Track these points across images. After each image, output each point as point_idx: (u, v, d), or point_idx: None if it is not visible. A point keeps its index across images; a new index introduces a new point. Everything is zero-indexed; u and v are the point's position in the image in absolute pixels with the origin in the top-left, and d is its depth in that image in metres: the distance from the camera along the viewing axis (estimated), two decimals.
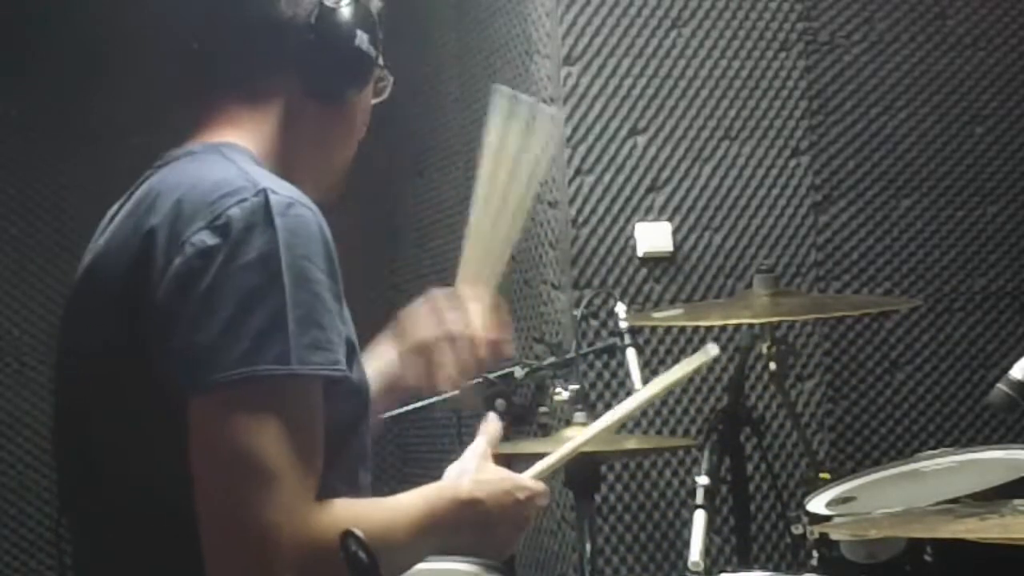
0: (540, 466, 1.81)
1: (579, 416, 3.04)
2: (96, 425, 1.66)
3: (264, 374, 1.50)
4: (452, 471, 1.73)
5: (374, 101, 1.85)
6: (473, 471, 1.71)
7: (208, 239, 1.53)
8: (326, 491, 1.56)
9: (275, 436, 1.50)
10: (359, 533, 1.36)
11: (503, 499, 1.70)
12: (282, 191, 1.58)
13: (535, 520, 1.78)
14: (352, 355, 1.61)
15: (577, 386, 3.11)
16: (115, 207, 1.76)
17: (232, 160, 1.65)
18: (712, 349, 1.94)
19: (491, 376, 3.17)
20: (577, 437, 1.88)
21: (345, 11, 1.71)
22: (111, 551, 1.67)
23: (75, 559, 1.74)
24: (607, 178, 4.06)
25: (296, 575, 1.50)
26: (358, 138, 1.84)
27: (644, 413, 4.04)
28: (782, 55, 4.23)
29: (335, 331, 1.56)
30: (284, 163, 1.71)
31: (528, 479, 1.76)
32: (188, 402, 1.52)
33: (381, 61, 1.82)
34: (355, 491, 1.68)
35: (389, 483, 5.23)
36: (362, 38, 1.72)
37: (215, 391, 1.50)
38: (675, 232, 4.11)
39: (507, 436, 3.16)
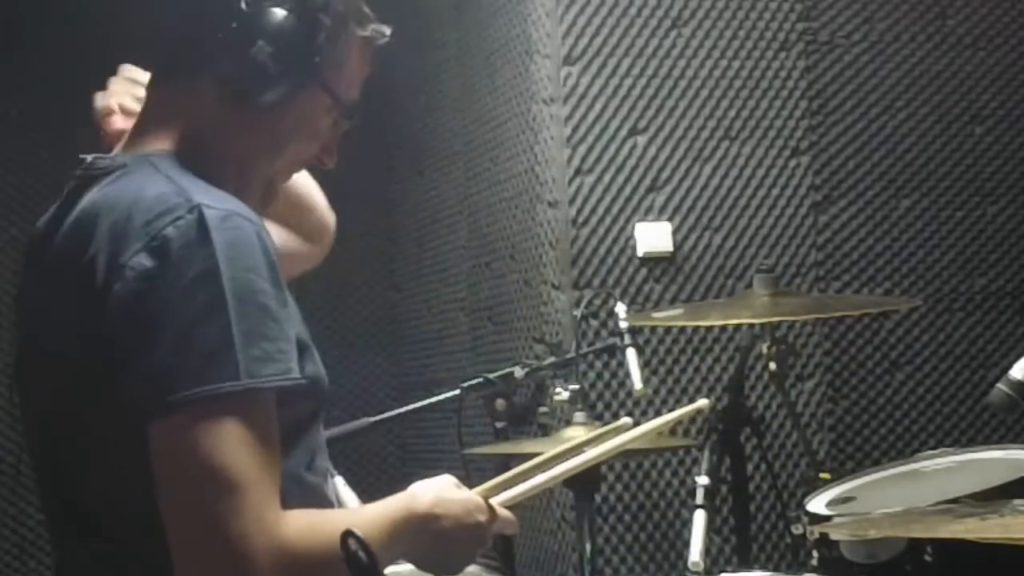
0: (510, 494, 1.81)
1: (579, 416, 3.04)
2: (55, 445, 1.69)
3: (218, 392, 1.51)
4: (417, 485, 1.73)
5: (342, 128, 1.80)
6: (437, 489, 1.72)
7: (146, 261, 1.54)
8: (286, 479, 1.58)
9: (235, 449, 1.51)
10: (359, 533, 1.36)
11: (462, 518, 1.70)
12: (216, 204, 1.58)
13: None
14: (304, 352, 1.63)
15: (577, 386, 3.11)
16: (51, 214, 1.76)
17: (164, 173, 1.64)
18: (702, 402, 2.01)
19: (491, 376, 3.17)
20: (552, 471, 1.86)
21: (258, 17, 1.68)
22: (82, 563, 1.69)
23: (56, 567, 1.77)
24: (607, 178, 4.06)
25: None
26: (295, 158, 1.79)
27: (644, 412, 4.03)
28: (782, 55, 4.23)
29: (284, 339, 1.57)
30: (209, 171, 1.68)
31: (494, 504, 1.76)
32: (145, 425, 1.53)
33: (343, 83, 1.77)
34: (314, 476, 1.70)
35: (389, 483, 5.24)
36: (262, 49, 1.67)
37: (172, 412, 1.51)
38: (675, 232, 4.11)
39: (507, 436, 3.17)
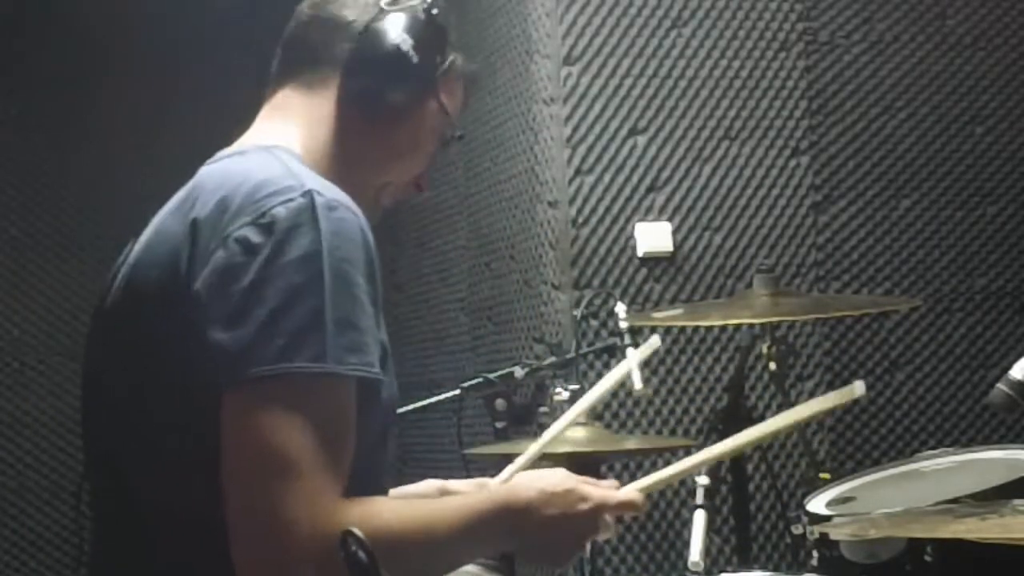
0: (650, 480, 1.82)
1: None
2: (124, 421, 1.67)
3: (299, 371, 1.52)
4: (522, 478, 1.77)
5: (437, 145, 1.89)
6: (542, 484, 1.71)
7: (252, 236, 1.56)
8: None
9: (303, 431, 1.52)
10: (359, 533, 1.35)
11: (565, 509, 1.70)
12: (327, 193, 1.61)
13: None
14: (385, 360, 1.64)
15: (577, 386, 3.10)
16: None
17: (279, 159, 1.68)
18: (859, 388, 1.84)
19: (491, 376, 3.17)
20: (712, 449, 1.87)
21: (395, 22, 1.76)
22: (132, 547, 1.68)
23: (94, 552, 1.75)
24: (607, 178, 4.06)
25: (315, 570, 1.51)
26: (404, 172, 1.87)
27: (644, 413, 4.03)
28: (782, 55, 4.23)
29: (371, 334, 1.60)
30: (323, 169, 1.73)
31: (606, 491, 1.76)
32: (222, 396, 1.53)
33: (451, 108, 1.85)
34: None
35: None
36: (407, 45, 1.75)
37: (250, 385, 1.52)
38: (675, 232, 4.11)
39: (507, 436, 3.17)
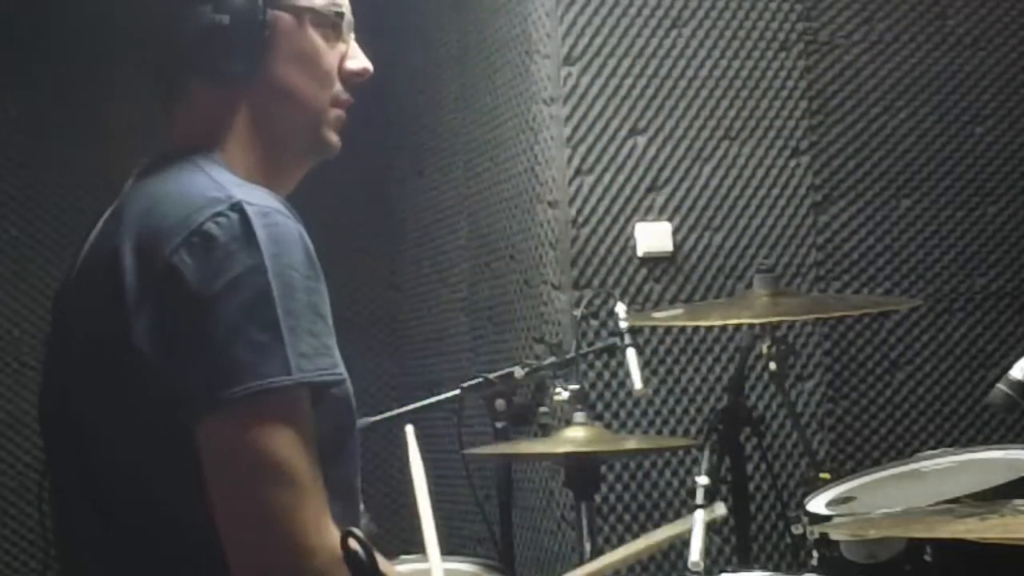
0: None
1: (579, 416, 3.04)
2: (87, 448, 1.65)
3: (268, 387, 1.50)
4: None
5: (332, 38, 1.74)
6: None
7: (187, 258, 1.52)
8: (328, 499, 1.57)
9: (292, 446, 1.51)
10: (359, 533, 1.36)
11: None
12: (256, 200, 1.56)
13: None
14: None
15: (577, 386, 3.10)
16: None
17: (202, 169, 1.63)
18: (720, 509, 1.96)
19: (491, 376, 3.17)
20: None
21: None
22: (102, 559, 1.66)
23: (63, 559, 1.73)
24: (607, 178, 4.06)
25: None
26: (323, 94, 1.73)
27: (644, 413, 4.03)
28: (782, 55, 4.23)
29: (328, 335, 1.58)
30: (243, 161, 1.68)
31: None
32: (194, 424, 1.52)
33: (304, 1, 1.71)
34: (351, 496, 1.68)
35: (389, 483, 5.24)
36: (217, 20, 1.63)
37: (223, 409, 1.50)
38: (675, 232, 4.11)
39: (507, 436, 3.17)
